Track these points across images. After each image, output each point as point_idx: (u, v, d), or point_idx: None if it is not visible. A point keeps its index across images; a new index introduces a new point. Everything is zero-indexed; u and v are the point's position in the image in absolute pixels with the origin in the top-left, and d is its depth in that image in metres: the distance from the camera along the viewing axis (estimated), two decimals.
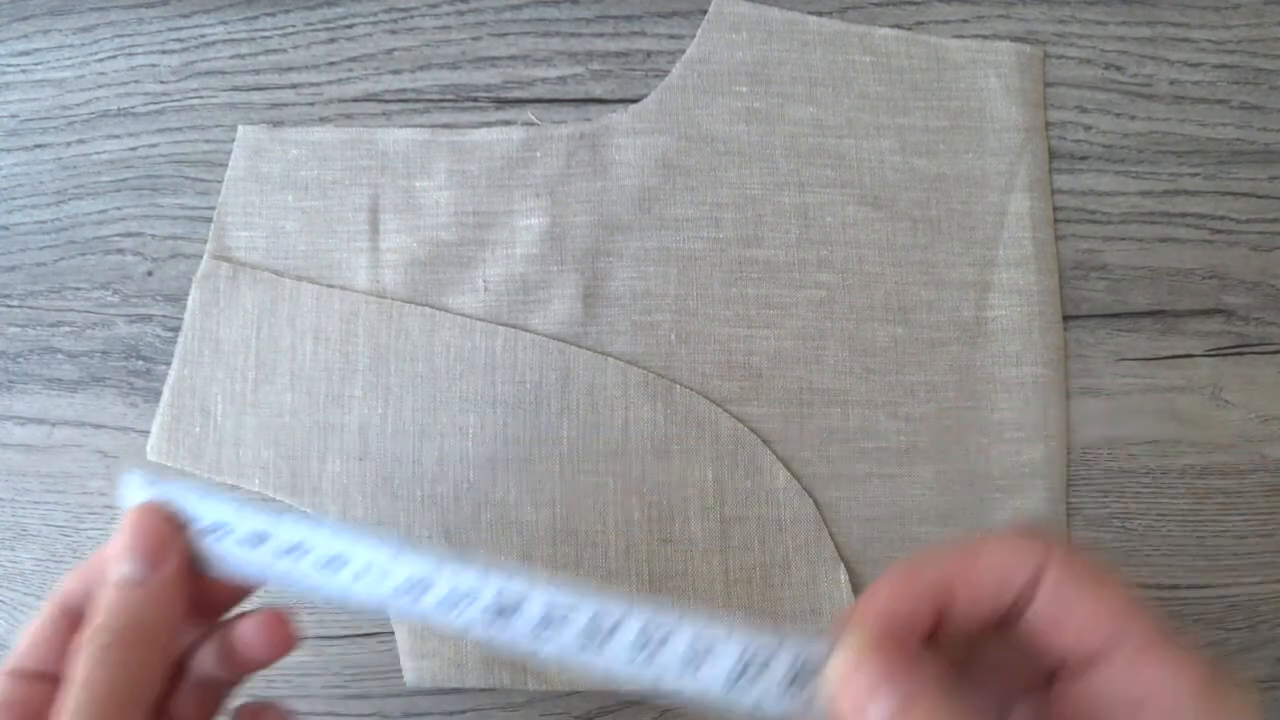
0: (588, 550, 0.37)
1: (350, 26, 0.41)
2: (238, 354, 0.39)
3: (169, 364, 0.39)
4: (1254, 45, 0.41)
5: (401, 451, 0.38)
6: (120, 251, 0.40)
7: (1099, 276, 0.40)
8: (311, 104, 0.41)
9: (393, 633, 0.38)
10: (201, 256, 0.39)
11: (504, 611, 0.23)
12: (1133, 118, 0.41)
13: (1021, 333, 0.39)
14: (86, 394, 0.40)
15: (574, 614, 0.23)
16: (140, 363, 0.40)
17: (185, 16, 0.41)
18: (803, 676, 0.21)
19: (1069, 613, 0.19)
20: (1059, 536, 0.22)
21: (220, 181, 0.40)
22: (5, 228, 0.41)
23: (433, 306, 0.39)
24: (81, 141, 0.41)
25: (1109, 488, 0.39)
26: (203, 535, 0.25)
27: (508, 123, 0.40)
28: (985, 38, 0.41)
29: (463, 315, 0.39)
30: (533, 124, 0.40)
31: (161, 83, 0.41)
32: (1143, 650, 0.18)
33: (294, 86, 0.41)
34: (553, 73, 0.41)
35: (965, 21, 0.41)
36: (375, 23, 0.41)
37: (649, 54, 0.41)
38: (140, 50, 0.41)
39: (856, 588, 0.37)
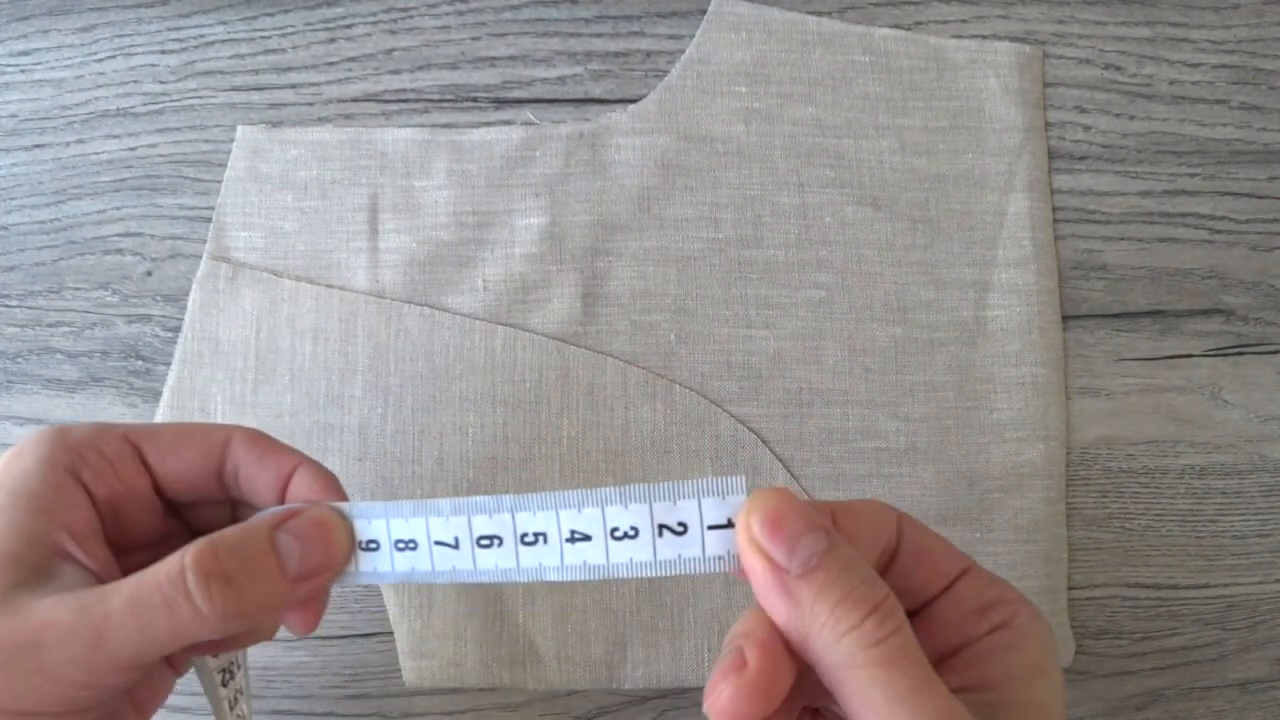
0: None
1: (350, 26, 0.41)
2: (237, 354, 0.39)
3: (169, 364, 0.39)
4: (1254, 45, 0.41)
5: (401, 451, 0.38)
6: (119, 251, 0.40)
7: (1099, 276, 0.40)
8: (311, 104, 0.41)
9: (392, 633, 0.38)
10: (201, 256, 0.39)
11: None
12: (1132, 118, 0.41)
13: (1021, 333, 0.39)
14: (86, 394, 0.40)
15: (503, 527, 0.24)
16: (140, 363, 0.40)
17: (185, 16, 0.41)
18: (718, 527, 0.22)
19: (926, 552, 0.25)
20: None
21: (220, 181, 0.40)
22: (4, 228, 0.41)
23: (432, 306, 0.39)
24: (80, 141, 0.41)
25: (1108, 488, 0.39)
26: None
27: (507, 123, 0.40)
28: (985, 38, 0.41)
29: (462, 315, 0.39)
30: (532, 124, 0.40)
31: (160, 83, 0.41)
32: (977, 573, 0.25)
33: (293, 86, 0.41)
34: (552, 73, 0.41)
35: (965, 21, 0.41)
36: (375, 23, 0.41)
37: (648, 54, 0.41)
38: (139, 50, 0.41)
39: None
